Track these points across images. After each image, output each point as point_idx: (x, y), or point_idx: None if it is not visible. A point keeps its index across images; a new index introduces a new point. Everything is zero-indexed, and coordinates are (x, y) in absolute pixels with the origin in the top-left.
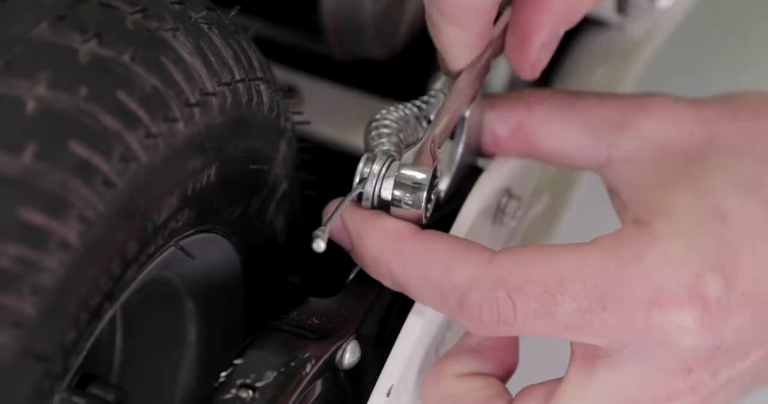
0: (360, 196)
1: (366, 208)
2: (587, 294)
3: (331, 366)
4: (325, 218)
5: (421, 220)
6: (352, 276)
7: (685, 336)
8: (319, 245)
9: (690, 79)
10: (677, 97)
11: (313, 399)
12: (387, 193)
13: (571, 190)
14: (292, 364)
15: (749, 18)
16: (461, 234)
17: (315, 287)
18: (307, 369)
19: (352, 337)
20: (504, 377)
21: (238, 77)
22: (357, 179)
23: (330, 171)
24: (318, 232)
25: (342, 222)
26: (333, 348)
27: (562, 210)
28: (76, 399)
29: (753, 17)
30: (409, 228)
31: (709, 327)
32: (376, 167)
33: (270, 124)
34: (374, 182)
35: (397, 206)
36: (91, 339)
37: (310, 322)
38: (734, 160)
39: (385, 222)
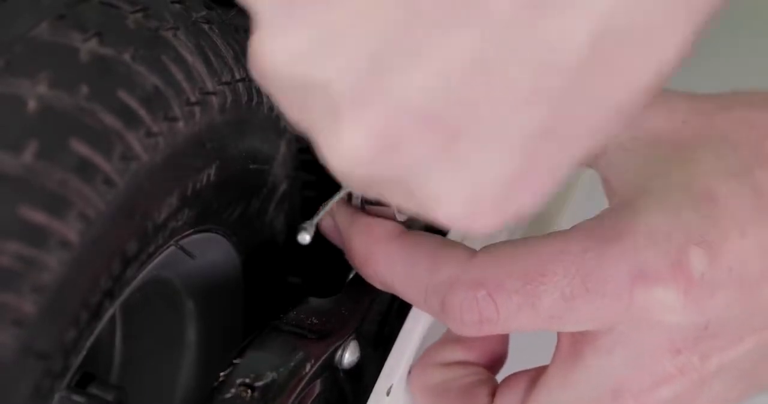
0: (351, 195)
1: (356, 207)
2: (570, 280)
3: (331, 366)
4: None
5: (399, 218)
6: (351, 276)
7: (669, 312)
8: (304, 238)
9: (690, 79)
10: (673, 91)
11: (312, 398)
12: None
13: (570, 189)
14: (292, 364)
15: (749, 18)
16: (460, 235)
17: (315, 287)
18: (307, 369)
19: (351, 337)
20: (492, 366)
21: (238, 76)
22: None
23: (330, 171)
24: (305, 225)
25: (334, 223)
26: (332, 348)
27: (562, 210)
28: (76, 398)
29: (753, 17)
30: (395, 228)
31: (694, 303)
32: None
33: (270, 124)
34: None
35: (372, 204)
36: (91, 339)
37: (309, 322)
38: (727, 147)
39: (372, 223)
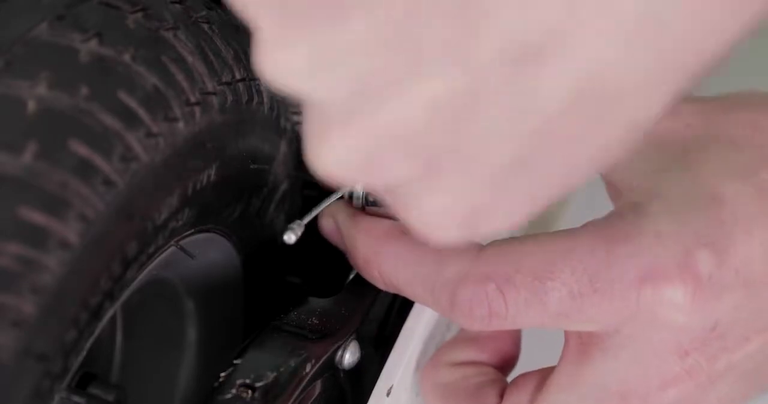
0: (351, 196)
1: (357, 208)
2: (578, 278)
3: (331, 366)
4: (320, 217)
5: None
6: (352, 276)
7: (677, 312)
8: (290, 237)
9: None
10: None
11: (312, 399)
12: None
13: None
14: (292, 364)
15: None
16: None
17: (315, 287)
18: (307, 369)
19: (352, 337)
20: (503, 367)
21: (238, 76)
22: None
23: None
24: (293, 225)
25: (335, 224)
26: (333, 348)
27: (562, 210)
28: (76, 399)
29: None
30: (397, 228)
31: (702, 304)
32: None
33: (270, 124)
34: None
35: (373, 205)
36: (91, 339)
37: (310, 322)
38: (732, 149)
39: (374, 224)
